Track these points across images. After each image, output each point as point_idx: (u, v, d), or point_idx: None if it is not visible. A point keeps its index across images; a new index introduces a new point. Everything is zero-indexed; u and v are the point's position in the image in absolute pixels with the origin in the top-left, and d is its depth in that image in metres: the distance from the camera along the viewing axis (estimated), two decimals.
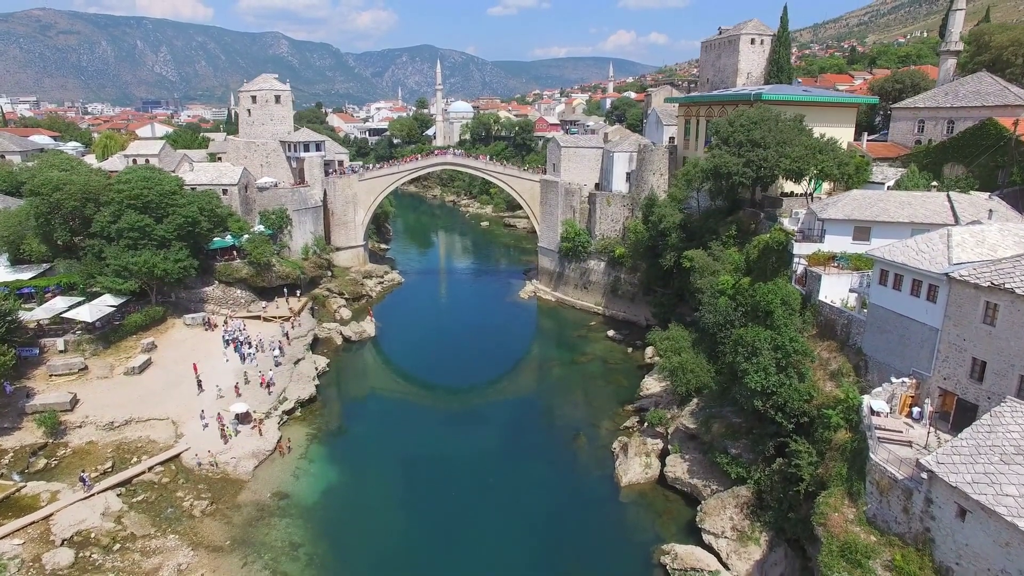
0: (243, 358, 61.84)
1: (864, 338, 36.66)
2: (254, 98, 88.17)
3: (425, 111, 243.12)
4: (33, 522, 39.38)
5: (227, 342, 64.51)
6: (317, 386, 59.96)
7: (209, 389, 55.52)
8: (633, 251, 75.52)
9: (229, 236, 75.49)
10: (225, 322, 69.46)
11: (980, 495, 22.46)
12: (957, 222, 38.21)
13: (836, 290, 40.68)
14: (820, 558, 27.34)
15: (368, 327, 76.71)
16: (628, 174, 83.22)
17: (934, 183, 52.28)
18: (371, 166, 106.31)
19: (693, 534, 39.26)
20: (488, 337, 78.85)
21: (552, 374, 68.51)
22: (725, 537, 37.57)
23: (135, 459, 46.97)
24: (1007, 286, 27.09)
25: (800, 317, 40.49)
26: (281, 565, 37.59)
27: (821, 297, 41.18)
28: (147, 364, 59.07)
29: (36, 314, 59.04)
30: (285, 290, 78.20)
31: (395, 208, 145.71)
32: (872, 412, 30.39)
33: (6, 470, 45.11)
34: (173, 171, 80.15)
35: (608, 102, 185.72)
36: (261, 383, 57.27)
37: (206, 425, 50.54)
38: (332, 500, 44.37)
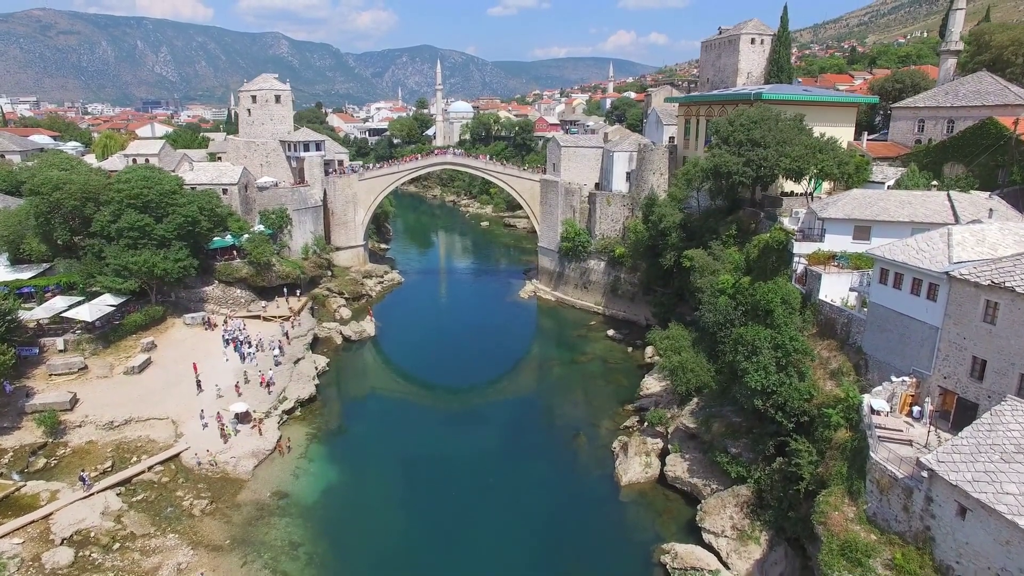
0: (243, 357, 61.83)
1: (864, 337, 36.67)
2: (254, 98, 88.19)
3: (425, 111, 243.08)
4: (33, 521, 39.36)
5: (227, 341, 64.53)
6: (317, 386, 59.97)
7: (209, 389, 55.52)
8: (633, 251, 75.50)
9: (229, 236, 75.49)
10: (225, 321, 69.48)
11: (980, 493, 22.45)
12: (957, 221, 38.23)
13: (836, 289, 40.70)
14: (820, 557, 27.33)
15: (368, 327, 76.73)
16: (628, 174, 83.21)
17: (934, 182, 52.27)
18: (371, 166, 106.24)
19: (693, 533, 39.25)
20: (488, 337, 78.83)
21: (552, 374, 68.48)
22: (725, 536, 37.56)
23: (135, 458, 46.95)
24: (1007, 285, 27.10)
25: (800, 316, 40.49)
26: (281, 564, 37.58)
27: (821, 296, 41.21)
28: (147, 364, 59.07)
29: (36, 313, 59.05)
30: (285, 290, 78.17)
31: (395, 208, 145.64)
32: (872, 411, 30.41)
33: (6, 469, 45.07)
34: (173, 171, 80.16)
35: (608, 102, 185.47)
36: (261, 382, 57.27)
37: (206, 425, 50.53)
38: (332, 499, 44.34)
